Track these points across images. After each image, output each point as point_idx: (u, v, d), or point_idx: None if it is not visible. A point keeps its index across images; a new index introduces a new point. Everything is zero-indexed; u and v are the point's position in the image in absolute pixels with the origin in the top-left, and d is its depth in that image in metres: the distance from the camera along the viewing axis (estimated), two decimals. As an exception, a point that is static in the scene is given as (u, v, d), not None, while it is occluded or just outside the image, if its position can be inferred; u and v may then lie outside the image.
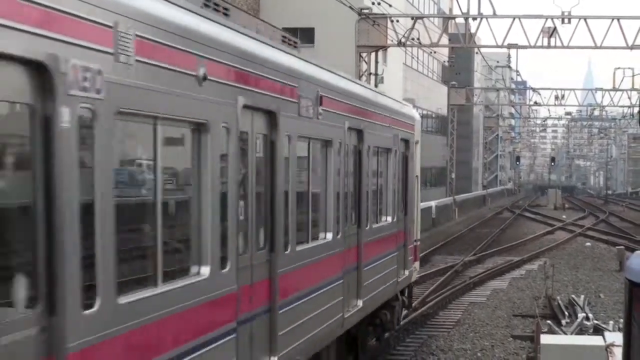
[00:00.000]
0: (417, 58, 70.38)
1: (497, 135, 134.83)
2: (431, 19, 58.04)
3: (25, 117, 5.67)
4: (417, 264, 20.45)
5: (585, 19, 42.59)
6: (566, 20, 42.65)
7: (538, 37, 43.86)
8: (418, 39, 45.25)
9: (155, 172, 7.34)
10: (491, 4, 44.79)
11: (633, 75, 72.71)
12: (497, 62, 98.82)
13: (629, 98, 74.17)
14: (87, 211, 6.17)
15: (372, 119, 15.23)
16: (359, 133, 14.33)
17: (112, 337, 6.42)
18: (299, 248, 11.27)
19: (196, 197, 8.18)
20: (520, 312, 24.76)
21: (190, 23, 7.89)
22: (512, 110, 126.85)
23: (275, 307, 10.22)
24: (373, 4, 43.93)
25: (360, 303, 14.54)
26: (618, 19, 42.39)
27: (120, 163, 6.89)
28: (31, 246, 5.71)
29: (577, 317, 22.47)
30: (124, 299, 6.59)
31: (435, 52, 69.91)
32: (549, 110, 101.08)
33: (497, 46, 45.81)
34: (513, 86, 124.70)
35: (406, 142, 18.52)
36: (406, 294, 19.50)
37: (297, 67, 11.12)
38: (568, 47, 44.31)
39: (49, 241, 5.77)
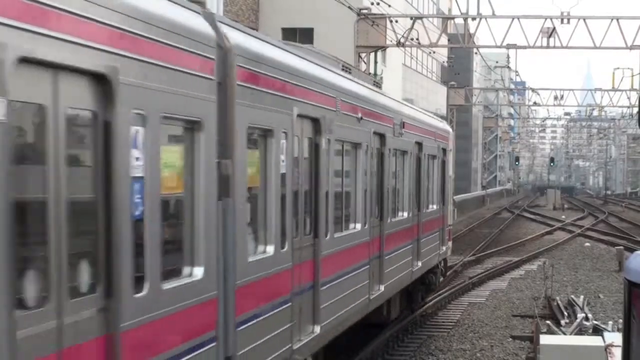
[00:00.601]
0: (416, 58, 70.37)
1: (496, 135, 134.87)
2: (430, 19, 57.97)
3: (308, 145, 11.54)
4: (450, 243, 26.19)
5: (584, 19, 42.57)
6: (565, 21, 42.61)
7: (537, 38, 43.85)
8: (417, 39, 45.22)
9: (342, 174, 13.45)
10: (490, 4, 44.86)
11: (632, 76, 72.73)
12: (496, 62, 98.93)
13: (628, 98, 74.15)
14: (327, 193, 12.21)
15: (426, 134, 21.51)
16: (420, 145, 20.55)
17: (331, 253, 12.53)
18: (394, 219, 17.79)
19: (353, 189, 14.31)
20: (520, 313, 24.76)
21: (355, 88, 14.25)
22: (511, 111, 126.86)
23: (382, 253, 16.46)
24: (372, 4, 43.92)
25: (420, 264, 20.63)
26: (617, 19, 42.39)
27: (334, 166, 12.71)
28: (299, 210, 11.35)
29: (576, 318, 22.46)
30: (336, 235, 12.89)
31: (434, 53, 69.88)
32: (548, 110, 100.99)
33: (496, 46, 45.79)
34: (512, 86, 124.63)
35: (444, 150, 24.72)
36: (442, 265, 25.12)
37: (392, 105, 17.57)
38: (567, 47, 44.29)
39: (316, 207, 11.89)
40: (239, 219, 8.85)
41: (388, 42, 43.39)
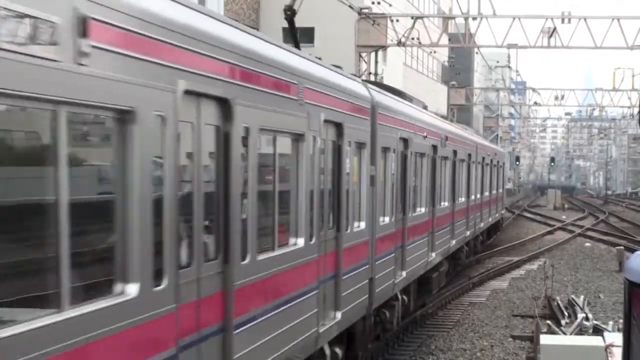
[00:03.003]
0: (417, 58, 70.38)
1: (497, 135, 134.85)
2: (431, 18, 57.97)
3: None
4: (503, 210, 48.77)
5: (585, 19, 42.60)
6: (566, 20, 42.66)
7: (538, 37, 43.89)
8: (418, 38, 45.23)
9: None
10: (491, 3, 44.89)
11: (633, 76, 72.72)
12: (497, 62, 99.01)
13: (629, 98, 74.18)
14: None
15: (494, 155, 40.43)
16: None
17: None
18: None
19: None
20: (520, 313, 24.74)
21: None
22: (512, 110, 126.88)
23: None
24: (373, 3, 43.94)
25: (482, 225, 33.50)
26: (618, 19, 42.40)
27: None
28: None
29: (576, 318, 22.45)
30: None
31: (435, 52, 69.86)
32: (548, 110, 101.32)
33: (497, 46, 45.83)
34: (513, 86, 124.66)
35: (504, 164, 45.12)
36: (501, 221, 47.70)
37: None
38: (568, 47, 44.32)
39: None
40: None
41: (389, 42, 43.41)
